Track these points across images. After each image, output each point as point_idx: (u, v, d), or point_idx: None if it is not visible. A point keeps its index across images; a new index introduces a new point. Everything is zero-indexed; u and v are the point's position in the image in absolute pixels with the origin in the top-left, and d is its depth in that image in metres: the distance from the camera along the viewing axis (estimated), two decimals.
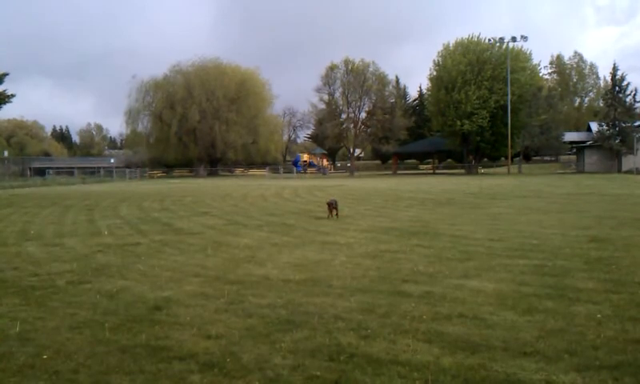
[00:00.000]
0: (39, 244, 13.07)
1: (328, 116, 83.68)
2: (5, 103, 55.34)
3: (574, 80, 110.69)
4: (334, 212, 17.10)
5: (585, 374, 4.54)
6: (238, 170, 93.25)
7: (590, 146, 66.52)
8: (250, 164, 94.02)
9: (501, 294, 7.18)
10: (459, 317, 6.23)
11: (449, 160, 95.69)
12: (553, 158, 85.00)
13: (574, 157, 76.26)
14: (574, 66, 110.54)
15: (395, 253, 10.48)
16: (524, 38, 68.82)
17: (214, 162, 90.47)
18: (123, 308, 6.98)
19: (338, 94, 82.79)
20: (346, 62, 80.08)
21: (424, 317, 6.24)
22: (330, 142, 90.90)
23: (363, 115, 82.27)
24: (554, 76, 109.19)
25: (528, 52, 71.97)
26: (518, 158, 71.52)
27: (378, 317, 6.32)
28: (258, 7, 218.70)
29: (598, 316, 6.15)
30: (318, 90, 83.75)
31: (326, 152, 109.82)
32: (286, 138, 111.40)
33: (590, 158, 64.07)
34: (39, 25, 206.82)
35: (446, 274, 8.48)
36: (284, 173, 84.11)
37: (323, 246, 11.58)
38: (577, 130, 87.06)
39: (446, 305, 6.71)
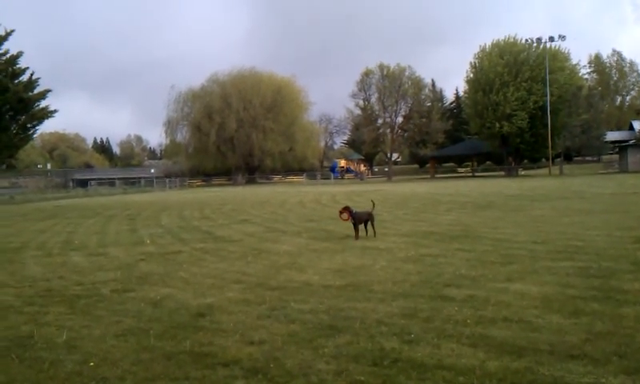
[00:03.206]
0: (83, 253, 13.32)
1: (364, 121, 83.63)
2: (47, 118, 56.67)
3: (615, 79, 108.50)
4: (356, 222, 13.89)
5: (635, 377, 4.43)
6: (276, 178, 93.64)
7: (633, 145, 65.09)
8: (288, 171, 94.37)
9: (546, 296, 7.06)
10: (504, 320, 6.14)
11: (488, 162, 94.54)
12: (595, 158, 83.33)
13: (616, 156, 74.57)
14: (614, 64, 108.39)
15: (436, 257, 10.39)
16: (562, 37, 67.85)
17: (252, 170, 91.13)
18: (167, 315, 7.06)
19: (373, 99, 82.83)
20: (381, 67, 79.97)
21: (468, 321, 6.16)
22: (367, 147, 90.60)
23: (400, 119, 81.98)
24: (594, 75, 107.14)
25: (566, 51, 70.82)
26: (559, 159, 70.31)
27: (420, 321, 6.26)
28: (291, 15, 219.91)
29: None
30: (354, 96, 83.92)
31: (362, 157, 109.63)
32: (322, 144, 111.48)
33: (634, 157, 62.52)
34: (78, 40, 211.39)
35: (488, 277, 8.37)
36: (321, 179, 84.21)
37: (363, 251, 11.54)
38: (619, 129, 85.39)
39: (489, 308, 6.62)
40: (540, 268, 8.88)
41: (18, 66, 53.52)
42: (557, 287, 7.53)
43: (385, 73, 79.71)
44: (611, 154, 78.54)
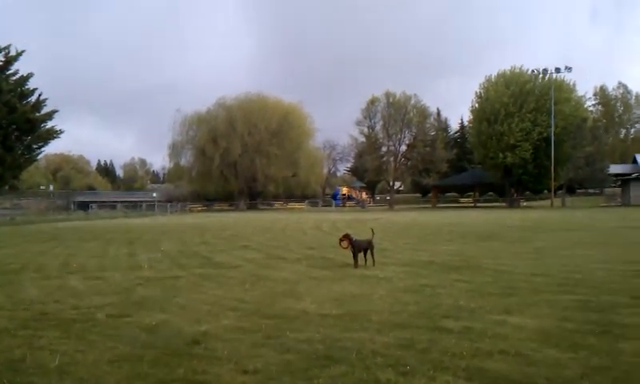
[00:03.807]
0: (81, 277, 13.26)
1: (368, 149, 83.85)
2: (53, 139, 56.91)
3: (620, 111, 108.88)
4: (355, 251, 13.79)
5: None
6: (278, 204, 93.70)
7: (635, 179, 65.08)
8: (290, 197, 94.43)
9: (544, 330, 7.00)
10: (501, 353, 6.08)
11: (490, 193, 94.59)
12: (597, 191, 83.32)
13: (619, 189, 74.58)
14: (619, 96, 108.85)
15: (435, 287, 10.33)
16: (568, 69, 68.32)
17: (254, 196, 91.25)
18: (162, 342, 7.00)
19: (378, 127, 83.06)
20: (387, 94, 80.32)
21: (464, 353, 6.11)
22: (370, 175, 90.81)
23: (404, 148, 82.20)
24: (599, 107, 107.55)
25: (572, 83, 71.18)
26: (561, 191, 70.28)
27: (417, 353, 6.21)
28: (298, 42, 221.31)
29: None
30: (359, 123, 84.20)
31: (365, 185, 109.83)
32: (325, 170, 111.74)
33: (636, 191, 62.59)
34: (85, 62, 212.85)
35: (487, 309, 8.31)
36: (323, 206, 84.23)
37: (362, 280, 11.48)
38: (622, 162, 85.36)
39: (487, 341, 6.56)
40: (539, 301, 8.82)
41: (26, 86, 53.89)
42: (555, 320, 7.47)
43: (391, 100, 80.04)
44: (614, 186, 78.53)
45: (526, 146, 65.68)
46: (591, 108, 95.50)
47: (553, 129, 64.62)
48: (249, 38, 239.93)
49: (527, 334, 6.85)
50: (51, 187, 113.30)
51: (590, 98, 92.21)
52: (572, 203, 65.97)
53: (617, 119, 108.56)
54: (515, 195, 73.82)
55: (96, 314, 8.77)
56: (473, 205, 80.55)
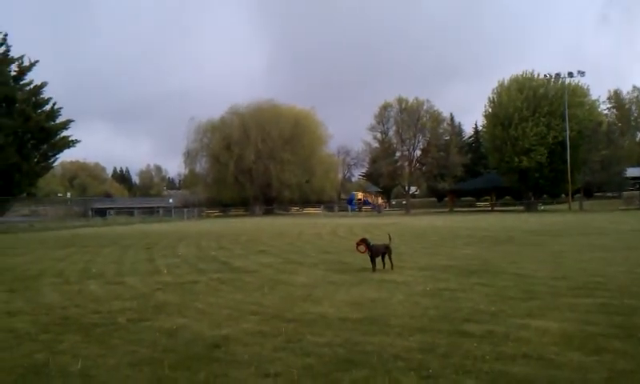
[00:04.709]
0: (100, 282, 13.34)
1: (382, 154, 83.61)
2: (69, 147, 57.49)
3: (635, 114, 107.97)
4: (373, 255, 13.78)
5: None
6: (294, 209, 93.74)
7: None
8: (305, 202, 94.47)
9: (566, 333, 6.93)
10: (524, 357, 6.03)
11: (507, 197, 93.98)
12: (615, 194, 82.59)
13: (637, 192, 73.87)
14: (634, 100, 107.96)
15: (454, 291, 10.26)
16: (581, 73, 67.81)
17: (270, 201, 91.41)
18: (182, 346, 7.01)
19: (391, 133, 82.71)
20: (400, 100, 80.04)
21: (487, 357, 6.05)
22: (385, 180, 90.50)
23: (418, 153, 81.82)
24: (614, 111, 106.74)
25: (585, 87, 70.64)
26: (578, 195, 69.72)
27: (438, 357, 6.16)
28: (310, 48, 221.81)
29: None
30: (372, 129, 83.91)
31: (380, 190, 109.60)
32: (340, 176, 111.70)
33: None
34: (101, 70, 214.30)
35: (508, 313, 8.24)
36: (339, 211, 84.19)
37: (380, 284, 11.43)
38: (639, 165, 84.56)
39: (509, 344, 6.50)
40: (561, 304, 8.73)
41: (41, 95, 54.52)
42: (578, 324, 7.39)
43: (403, 106, 79.78)
44: (632, 190, 77.77)
45: (541, 149, 65.21)
46: (606, 111, 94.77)
47: (568, 133, 64.17)
48: (261, 45, 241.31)
49: (550, 337, 6.77)
50: (68, 194, 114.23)
51: (604, 102, 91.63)
52: (590, 207, 65.38)
53: (632, 122, 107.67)
54: (532, 199, 73.29)
55: (116, 319, 8.81)
56: (490, 209, 79.96)
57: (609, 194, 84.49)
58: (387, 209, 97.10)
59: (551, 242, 20.44)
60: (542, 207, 71.76)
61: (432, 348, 6.49)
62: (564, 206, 69.00)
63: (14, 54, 52.92)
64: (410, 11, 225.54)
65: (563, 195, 74.34)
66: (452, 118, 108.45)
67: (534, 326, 7.38)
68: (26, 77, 53.70)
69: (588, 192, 76.19)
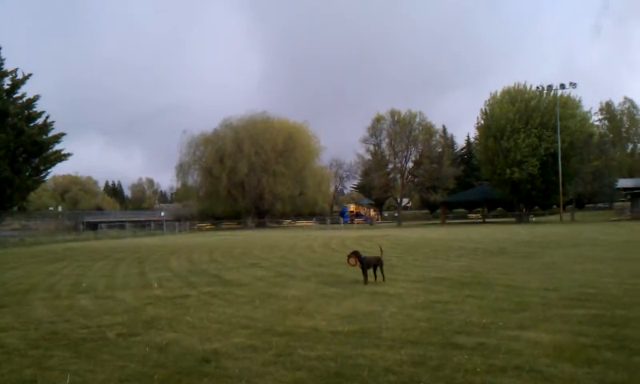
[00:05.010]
0: (91, 296, 13.27)
1: (374, 166, 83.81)
2: (61, 161, 57.30)
3: (626, 126, 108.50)
4: (364, 267, 13.75)
5: None
6: (286, 221, 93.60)
7: None
8: (298, 215, 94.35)
9: (558, 345, 6.93)
10: (515, 369, 6.02)
11: (499, 209, 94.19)
12: (606, 205, 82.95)
13: (628, 204, 74.17)
14: (625, 111, 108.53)
15: (446, 303, 10.26)
16: (573, 85, 68.16)
17: (262, 214, 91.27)
18: (172, 360, 6.97)
19: (384, 145, 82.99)
20: (392, 112, 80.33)
21: (478, 369, 6.05)
22: (377, 192, 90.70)
23: (410, 165, 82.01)
24: (605, 122, 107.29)
25: (577, 99, 71.04)
26: (570, 206, 69.95)
27: (430, 370, 6.15)
28: (302, 61, 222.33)
29: None
30: (365, 141, 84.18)
31: (372, 202, 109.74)
32: (332, 189, 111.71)
33: None
34: (92, 84, 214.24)
35: (500, 325, 8.23)
36: (331, 224, 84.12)
37: (372, 297, 11.42)
38: (631, 176, 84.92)
39: (500, 357, 6.49)
40: (552, 316, 8.74)
41: (34, 109, 54.39)
42: (569, 335, 7.40)
43: (396, 118, 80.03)
44: (623, 201, 78.12)
45: (533, 161, 65.41)
46: (597, 123, 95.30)
47: (559, 144, 64.45)
48: (255, 58, 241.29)
49: (542, 349, 6.78)
50: (60, 208, 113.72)
51: (595, 113, 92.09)
52: (581, 218, 65.65)
53: (624, 134, 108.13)
54: (524, 210, 73.47)
55: (106, 333, 8.76)
56: (482, 220, 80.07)
57: (600, 205, 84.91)
58: (379, 221, 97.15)
59: (543, 254, 20.49)
60: (534, 219, 71.94)
61: (423, 361, 6.48)
62: (555, 218, 69.22)
63: (7, 67, 52.93)
64: (403, 23, 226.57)
65: (555, 206, 74.59)
66: (444, 130, 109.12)
67: (526, 337, 7.38)
68: (18, 90, 53.59)
69: (579, 203, 76.48)
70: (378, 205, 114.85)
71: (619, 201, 79.21)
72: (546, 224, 57.52)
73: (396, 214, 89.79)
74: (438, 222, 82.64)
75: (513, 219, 73.34)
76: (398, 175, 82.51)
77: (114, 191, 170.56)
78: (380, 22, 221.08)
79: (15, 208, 58.07)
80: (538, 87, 70.14)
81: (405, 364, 6.39)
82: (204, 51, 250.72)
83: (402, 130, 79.40)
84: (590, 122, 75.58)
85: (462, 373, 5.96)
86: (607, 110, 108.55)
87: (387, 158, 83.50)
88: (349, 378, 5.93)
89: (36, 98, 54.35)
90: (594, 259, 17.82)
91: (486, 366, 6.14)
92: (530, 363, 6.20)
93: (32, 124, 53.90)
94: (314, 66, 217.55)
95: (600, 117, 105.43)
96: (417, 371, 6.09)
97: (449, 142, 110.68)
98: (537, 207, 79.02)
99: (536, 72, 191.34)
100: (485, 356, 6.56)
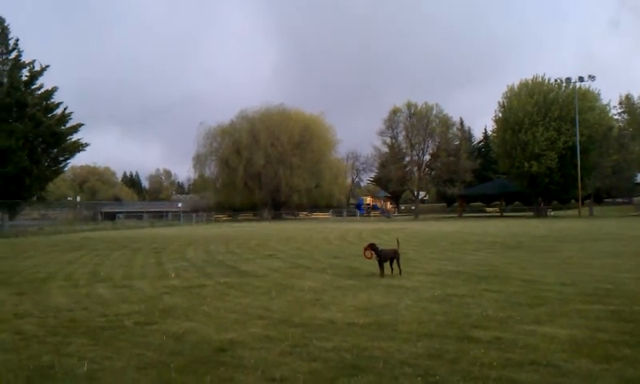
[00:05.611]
0: (108, 285, 13.36)
1: (391, 159, 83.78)
2: (79, 151, 57.83)
3: None
4: (381, 260, 13.71)
5: None
6: (302, 214, 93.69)
7: None
8: (314, 207, 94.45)
9: (575, 340, 6.86)
10: (531, 364, 5.97)
11: (516, 202, 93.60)
12: (625, 200, 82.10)
13: None
14: None
15: (463, 297, 10.21)
16: (592, 77, 67.39)
17: (279, 206, 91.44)
18: (189, 349, 7.01)
19: (401, 137, 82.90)
20: (409, 105, 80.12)
21: (494, 363, 6.01)
22: (394, 184, 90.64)
23: (427, 158, 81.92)
24: (624, 115, 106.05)
25: (596, 91, 70.25)
26: (588, 200, 69.34)
27: (446, 363, 6.12)
28: (319, 53, 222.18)
29: None
30: (381, 134, 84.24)
31: (389, 195, 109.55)
32: (349, 181, 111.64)
33: None
34: (111, 76, 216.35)
35: (516, 319, 8.18)
36: (347, 216, 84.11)
37: (388, 290, 11.39)
38: None
39: (517, 351, 6.45)
40: (569, 311, 8.67)
41: (52, 100, 54.85)
42: (587, 331, 7.33)
43: (412, 111, 79.84)
44: None
45: (551, 154, 64.83)
46: (617, 116, 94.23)
47: (578, 138, 63.81)
48: (270, 50, 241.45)
49: (559, 344, 6.71)
50: (78, 198, 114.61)
51: (615, 107, 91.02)
52: (600, 212, 65.13)
53: None
54: (542, 204, 72.94)
55: (124, 322, 8.82)
56: (499, 214, 79.61)
57: (619, 200, 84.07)
58: (396, 214, 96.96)
59: (560, 248, 20.33)
60: (552, 213, 71.40)
61: (439, 354, 6.45)
62: (574, 212, 68.67)
63: (25, 58, 53.47)
64: (420, 16, 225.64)
65: (573, 201, 73.97)
66: (462, 123, 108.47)
67: (543, 332, 7.32)
68: (36, 81, 54.11)
69: (598, 197, 75.80)
70: (395, 197, 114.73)
71: (638, 195, 78.41)
72: (563, 218, 57.12)
73: (413, 207, 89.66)
74: (455, 215, 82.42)
75: (530, 213, 72.94)
76: (415, 168, 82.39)
77: (132, 182, 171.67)
78: (397, 15, 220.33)
79: (34, 198, 58.64)
80: (556, 80, 69.51)
81: (421, 357, 6.37)
82: (219, 44, 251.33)
83: (419, 122, 79.25)
84: (609, 115, 74.79)
85: (478, 366, 5.93)
86: (626, 103, 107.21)
87: (404, 150, 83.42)
88: (364, 370, 5.92)
89: (54, 89, 54.89)
90: (612, 254, 17.64)
91: (503, 360, 6.10)
92: (546, 358, 6.14)
93: (50, 115, 54.46)
94: (331, 58, 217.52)
95: (619, 110, 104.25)
96: (433, 364, 6.07)
97: (466, 135, 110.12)
98: (555, 201, 78.41)
99: (554, 65, 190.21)
100: (501, 350, 6.51)
